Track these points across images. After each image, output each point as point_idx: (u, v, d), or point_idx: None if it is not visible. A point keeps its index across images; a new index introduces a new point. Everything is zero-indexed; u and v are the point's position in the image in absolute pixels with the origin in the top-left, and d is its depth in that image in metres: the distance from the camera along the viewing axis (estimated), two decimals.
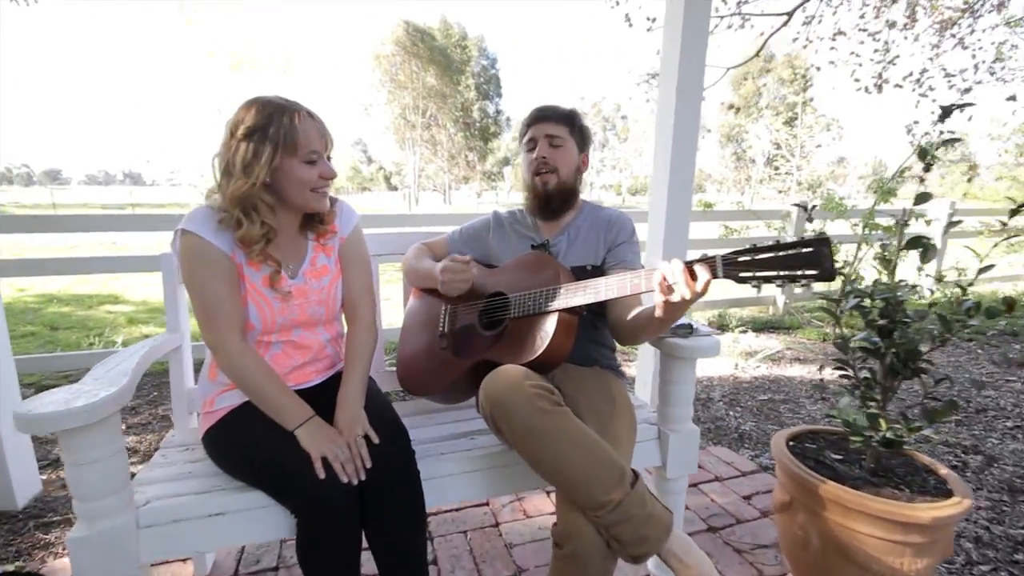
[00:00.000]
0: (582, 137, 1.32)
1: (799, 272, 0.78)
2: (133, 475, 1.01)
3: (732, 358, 3.33)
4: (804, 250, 0.78)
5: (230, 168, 0.98)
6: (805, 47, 6.01)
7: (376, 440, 1.01)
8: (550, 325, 1.07)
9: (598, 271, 1.27)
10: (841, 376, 1.26)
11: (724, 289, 4.66)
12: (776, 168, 34.69)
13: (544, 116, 1.29)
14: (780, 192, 33.96)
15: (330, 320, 1.19)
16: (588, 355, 1.27)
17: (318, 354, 1.17)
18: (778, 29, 5.73)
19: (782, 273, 0.79)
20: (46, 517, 1.65)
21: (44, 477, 1.87)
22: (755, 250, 0.82)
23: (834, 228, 3.00)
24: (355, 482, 0.96)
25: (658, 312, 0.97)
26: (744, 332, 3.98)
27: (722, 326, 4.14)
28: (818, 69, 6.44)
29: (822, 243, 0.77)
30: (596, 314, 1.28)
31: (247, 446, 1.01)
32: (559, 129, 1.28)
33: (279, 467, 0.97)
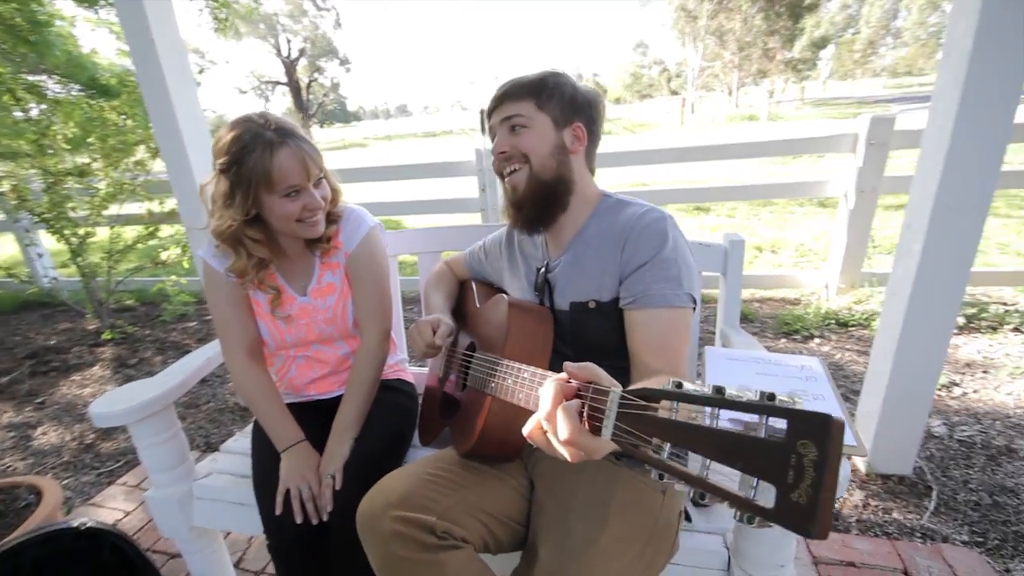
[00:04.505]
0: (563, 107, 0.87)
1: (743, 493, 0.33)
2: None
3: None
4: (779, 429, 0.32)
5: (214, 201, 0.97)
6: None
7: (338, 486, 0.96)
8: (485, 410, 0.77)
9: (609, 310, 0.83)
10: None
11: None
12: None
13: (499, 98, 0.87)
14: None
15: (346, 336, 1.14)
16: None
17: (337, 367, 1.16)
18: None
19: (710, 477, 0.37)
20: None
21: None
22: (677, 395, 0.40)
23: None
24: (313, 521, 0.94)
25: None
26: None
27: None
28: None
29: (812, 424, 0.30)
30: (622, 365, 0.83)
31: (257, 450, 1.09)
32: (521, 106, 0.86)
33: (261, 481, 1.02)
